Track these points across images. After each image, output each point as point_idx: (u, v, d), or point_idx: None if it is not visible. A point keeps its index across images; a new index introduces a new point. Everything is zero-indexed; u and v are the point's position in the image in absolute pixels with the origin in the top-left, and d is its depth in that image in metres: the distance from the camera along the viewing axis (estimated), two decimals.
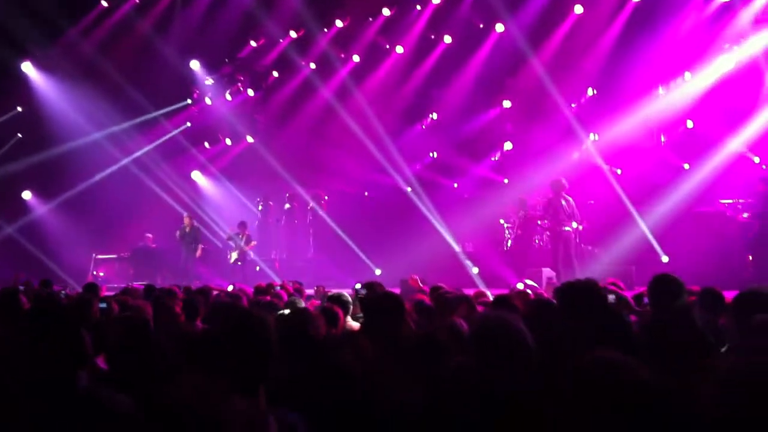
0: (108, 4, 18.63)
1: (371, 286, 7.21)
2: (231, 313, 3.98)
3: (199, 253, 17.26)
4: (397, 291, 7.47)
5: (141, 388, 3.36)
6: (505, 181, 18.15)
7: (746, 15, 14.56)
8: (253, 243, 17.12)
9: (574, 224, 13.34)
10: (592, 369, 2.53)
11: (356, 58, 19.00)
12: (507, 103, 18.64)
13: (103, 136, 18.91)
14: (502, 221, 16.53)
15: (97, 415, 2.53)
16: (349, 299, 6.40)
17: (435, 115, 19.75)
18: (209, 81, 20.07)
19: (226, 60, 20.06)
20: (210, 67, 19.95)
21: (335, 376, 3.34)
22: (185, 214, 17.65)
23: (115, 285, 14.38)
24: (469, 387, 3.09)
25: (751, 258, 12.95)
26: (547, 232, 14.15)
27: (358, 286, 7.44)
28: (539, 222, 15.89)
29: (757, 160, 14.76)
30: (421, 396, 3.21)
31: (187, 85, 20.15)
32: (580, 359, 2.59)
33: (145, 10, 18.74)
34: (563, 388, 2.59)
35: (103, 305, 6.62)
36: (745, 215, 13.68)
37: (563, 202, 13.38)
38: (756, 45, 14.35)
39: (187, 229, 17.21)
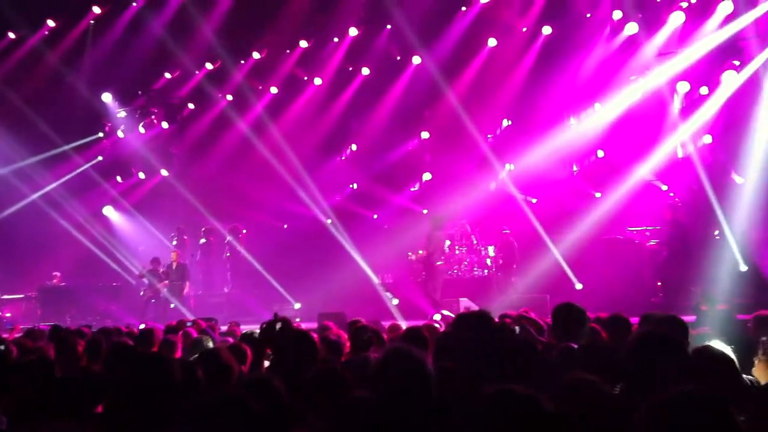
0: (16, 36, 18.03)
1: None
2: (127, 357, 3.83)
3: (186, 290, 16.55)
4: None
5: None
6: (425, 211, 18.18)
7: (650, 48, 15.13)
8: (166, 282, 16.69)
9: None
10: (491, 402, 2.48)
11: (274, 90, 18.89)
12: (425, 134, 18.85)
13: (10, 171, 18.19)
14: (421, 252, 16.53)
15: None
16: None
17: (354, 147, 19.78)
18: (122, 113, 19.57)
19: (140, 92, 19.62)
20: (122, 99, 19.48)
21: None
22: (172, 251, 16.99)
23: (22, 326, 13.73)
24: (365, 422, 3.03)
25: (660, 284, 13.28)
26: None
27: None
28: (457, 251, 16.06)
29: (664, 187, 15.25)
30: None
31: (98, 118, 19.59)
32: (479, 392, 2.53)
33: (54, 42, 18.21)
34: (461, 421, 2.53)
35: (1, 347, 6.27)
36: (654, 242, 14.08)
37: (438, 237, 13.96)
38: (660, 76, 14.88)
39: (174, 266, 16.54)
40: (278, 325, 4.94)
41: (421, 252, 14.48)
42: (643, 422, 2.25)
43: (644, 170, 14.98)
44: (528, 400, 2.44)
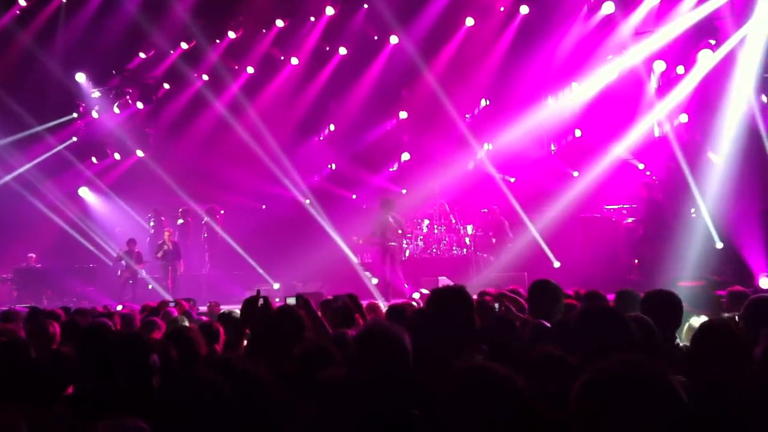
0: None
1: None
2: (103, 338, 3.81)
3: (181, 270, 16.45)
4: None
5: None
6: (404, 191, 18.25)
7: (627, 27, 15.16)
8: (146, 262, 16.59)
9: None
10: (463, 378, 2.49)
11: (250, 70, 18.72)
12: (403, 114, 18.82)
13: None
14: (400, 231, 16.54)
15: None
16: None
17: (332, 127, 19.72)
18: (96, 94, 19.27)
19: (114, 72, 19.31)
20: (96, 79, 19.17)
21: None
22: (165, 230, 16.75)
23: None
24: (341, 396, 3.01)
25: (636, 261, 13.41)
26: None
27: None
28: (436, 230, 16.12)
29: (641, 166, 15.37)
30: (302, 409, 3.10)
31: (72, 98, 19.30)
32: (452, 368, 2.55)
33: (26, 22, 17.86)
34: (435, 396, 2.53)
35: None
36: (630, 220, 14.21)
37: (390, 219, 13.92)
38: (636, 55, 14.94)
39: (167, 247, 16.29)
40: (260, 302, 4.86)
41: (372, 235, 14.40)
42: (578, 391, 2.25)
43: (621, 149, 15.08)
44: (499, 376, 2.45)
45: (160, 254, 16.32)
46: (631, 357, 2.28)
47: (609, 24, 15.50)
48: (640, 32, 15.27)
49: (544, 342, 4.08)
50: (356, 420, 2.86)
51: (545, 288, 5.16)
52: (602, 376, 2.21)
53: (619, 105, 15.52)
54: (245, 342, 5.59)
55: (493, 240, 15.42)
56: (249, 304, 4.96)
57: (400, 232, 14.13)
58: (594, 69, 15.61)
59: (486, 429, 2.39)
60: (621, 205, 15.17)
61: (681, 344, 4.46)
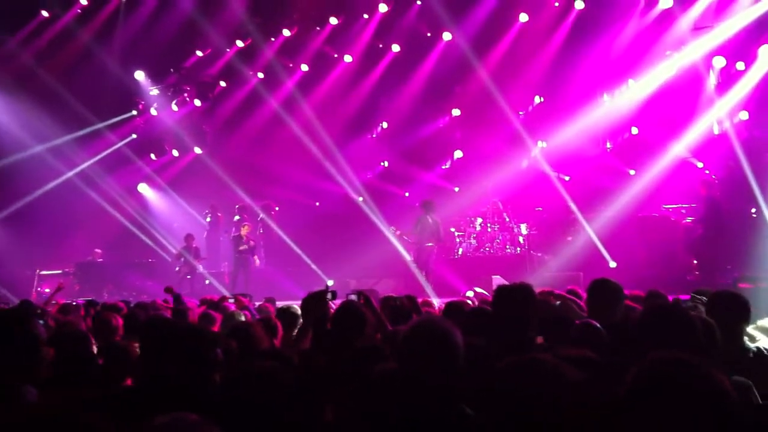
0: (48, 14, 18.17)
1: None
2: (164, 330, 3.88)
3: (256, 265, 16.35)
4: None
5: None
6: (456, 189, 18.22)
7: (685, 22, 14.88)
8: (204, 258, 16.87)
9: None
10: (513, 368, 2.54)
11: (304, 68, 18.88)
12: (456, 112, 18.78)
13: (46, 149, 18.41)
14: (452, 229, 16.55)
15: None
16: (298, 311, 6.25)
17: (385, 124, 19.78)
18: (154, 91, 19.70)
19: (172, 70, 19.71)
20: (155, 77, 19.59)
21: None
22: (244, 224, 16.47)
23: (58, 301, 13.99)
24: (388, 389, 3.04)
25: (695, 261, 13.17)
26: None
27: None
28: (489, 228, 16.06)
29: (699, 164, 15.08)
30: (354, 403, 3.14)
31: (131, 95, 19.75)
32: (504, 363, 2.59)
33: (86, 20, 18.32)
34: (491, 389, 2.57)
35: (41, 322, 6.42)
36: (689, 219, 13.95)
37: (430, 221, 14.14)
38: (695, 51, 14.65)
39: (249, 242, 16.20)
40: (329, 296, 4.86)
41: (411, 232, 14.63)
42: (629, 382, 2.28)
43: (679, 147, 14.82)
44: (550, 369, 2.48)
45: (242, 248, 16.05)
46: (681, 354, 2.30)
47: (667, 19, 15.25)
48: (699, 27, 15.00)
49: (590, 342, 4.06)
50: (399, 414, 2.89)
51: (605, 287, 5.04)
52: (649, 371, 2.26)
53: (677, 102, 15.27)
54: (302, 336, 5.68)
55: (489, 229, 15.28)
56: (314, 299, 4.96)
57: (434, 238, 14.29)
58: (651, 65, 15.37)
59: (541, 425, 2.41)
60: (679, 204, 14.90)
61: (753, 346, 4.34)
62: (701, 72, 14.75)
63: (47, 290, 17.30)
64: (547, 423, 2.40)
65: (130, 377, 4.37)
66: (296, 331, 6.15)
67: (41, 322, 6.41)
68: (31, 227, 18.08)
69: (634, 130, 16.51)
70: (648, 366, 2.27)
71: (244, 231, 16.13)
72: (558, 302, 5.81)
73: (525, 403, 2.43)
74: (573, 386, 2.47)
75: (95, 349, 4.96)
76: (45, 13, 18.20)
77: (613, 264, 13.82)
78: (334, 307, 5.24)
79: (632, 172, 15.67)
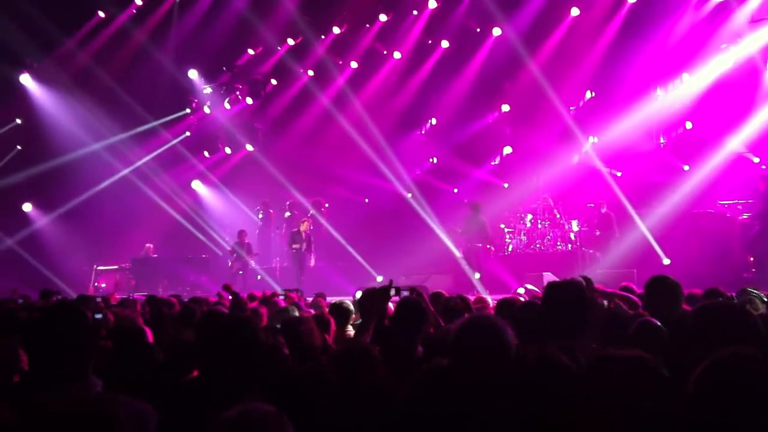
0: (105, 15, 18.61)
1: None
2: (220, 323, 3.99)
3: (312, 261, 16.20)
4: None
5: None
6: (505, 185, 18.13)
7: (742, 14, 14.56)
8: (256, 254, 17.12)
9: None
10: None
11: (354, 65, 18.99)
12: (506, 107, 18.68)
13: (102, 146, 18.91)
14: (502, 226, 16.48)
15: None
16: (351, 307, 6.31)
17: (434, 121, 19.78)
18: (207, 89, 20.07)
19: (224, 68, 20.02)
20: (208, 75, 19.94)
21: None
22: (303, 220, 16.45)
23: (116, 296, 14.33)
24: (441, 386, 3.08)
25: (752, 259, 12.91)
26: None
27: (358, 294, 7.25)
28: (539, 225, 15.96)
29: (756, 159, 14.74)
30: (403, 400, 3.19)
31: (185, 94, 20.13)
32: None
33: (141, 20, 18.72)
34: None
35: (99, 316, 6.60)
36: (745, 215, 13.67)
37: (478, 221, 14.51)
38: (752, 44, 14.33)
39: (309, 237, 16.15)
40: (392, 291, 4.83)
41: (461, 232, 14.84)
42: (695, 381, 2.29)
43: (735, 142, 14.51)
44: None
45: (297, 246, 15.98)
46: (746, 350, 2.31)
47: (723, 11, 14.94)
48: (756, 20, 14.64)
49: (649, 339, 4.03)
50: (447, 409, 2.92)
51: (664, 284, 4.96)
52: (714, 369, 2.29)
53: (733, 96, 14.90)
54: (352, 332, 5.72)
55: (598, 233, 15.11)
56: (376, 294, 4.96)
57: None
58: (706, 59, 15.05)
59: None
60: (736, 201, 14.55)
61: None
62: (758, 65, 14.42)
63: (104, 285, 17.80)
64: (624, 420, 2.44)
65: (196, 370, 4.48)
66: (349, 327, 6.24)
67: (100, 316, 6.62)
68: (89, 223, 18.59)
69: (689, 125, 16.19)
70: (714, 364, 2.28)
71: (303, 227, 16.16)
72: (605, 301, 5.71)
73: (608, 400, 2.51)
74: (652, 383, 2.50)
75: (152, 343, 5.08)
76: (101, 14, 18.61)
77: (666, 261, 13.62)
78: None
79: (686, 167, 15.39)
